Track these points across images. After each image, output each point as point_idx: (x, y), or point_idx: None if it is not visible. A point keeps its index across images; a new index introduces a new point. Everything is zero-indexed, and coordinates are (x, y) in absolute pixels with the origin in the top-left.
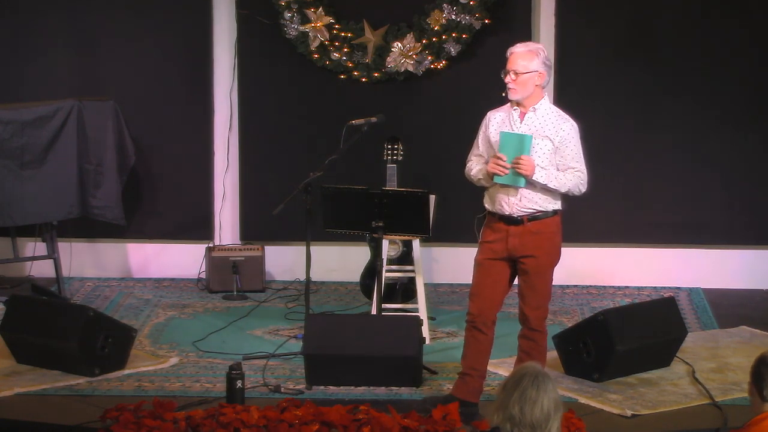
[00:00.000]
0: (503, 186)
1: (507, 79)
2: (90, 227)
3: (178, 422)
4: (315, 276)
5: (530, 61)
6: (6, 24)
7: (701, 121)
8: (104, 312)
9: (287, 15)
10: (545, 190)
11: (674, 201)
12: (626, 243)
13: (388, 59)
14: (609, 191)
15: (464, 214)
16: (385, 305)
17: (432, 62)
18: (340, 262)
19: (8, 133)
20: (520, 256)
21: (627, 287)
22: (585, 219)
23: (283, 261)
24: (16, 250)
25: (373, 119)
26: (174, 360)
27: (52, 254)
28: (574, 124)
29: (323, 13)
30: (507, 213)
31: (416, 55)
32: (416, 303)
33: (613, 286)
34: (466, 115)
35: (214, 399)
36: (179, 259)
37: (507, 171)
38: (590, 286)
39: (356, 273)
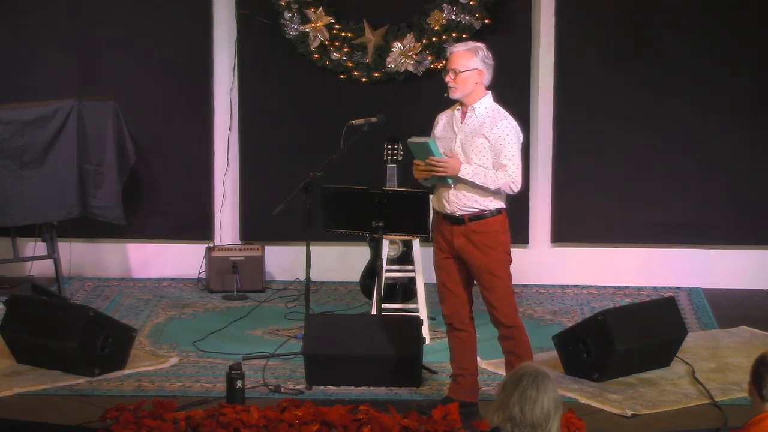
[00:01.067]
0: (445, 186)
1: (447, 79)
2: (90, 227)
3: (178, 422)
4: (315, 276)
5: (469, 60)
6: (6, 24)
7: (701, 121)
8: (104, 312)
9: (287, 15)
10: (482, 187)
11: (674, 201)
12: (626, 243)
13: (388, 59)
14: (609, 191)
15: None
16: (385, 305)
17: (432, 62)
18: (340, 262)
19: (8, 133)
20: (466, 257)
21: (627, 287)
22: (585, 219)
23: (283, 261)
24: (16, 250)
25: (373, 119)
26: (174, 360)
27: (52, 254)
28: (512, 122)
29: (323, 13)
30: (449, 212)
31: (416, 55)
32: (416, 303)
33: (613, 286)
34: None
35: (214, 399)
36: (179, 259)
37: (428, 174)
38: (590, 286)
39: (356, 273)
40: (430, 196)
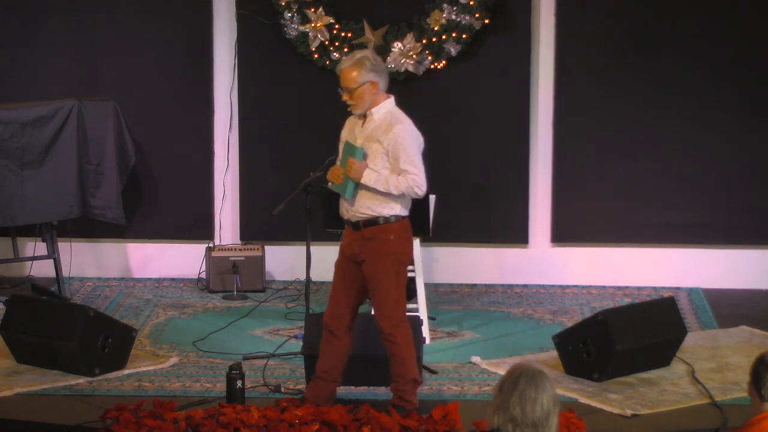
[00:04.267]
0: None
1: (344, 98)
2: (90, 227)
3: (178, 422)
4: (315, 276)
5: (358, 75)
6: (6, 24)
7: (701, 121)
8: (104, 312)
9: (287, 15)
10: (378, 194)
11: (674, 201)
12: (626, 243)
13: (388, 59)
14: (609, 191)
15: (464, 214)
16: None
17: (432, 62)
18: None
19: (8, 133)
20: (360, 262)
21: (627, 287)
22: (585, 219)
23: (283, 261)
24: (16, 250)
25: None
26: (174, 360)
27: (52, 254)
28: (408, 126)
29: (323, 13)
30: (347, 218)
31: (416, 55)
32: (416, 303)
33: (613, 286)
34: (466, 115)
35: (214, 399)
36: (179, 259)
37: (340, 179)
38: (590, 286)
39: None
40: (432, 197)
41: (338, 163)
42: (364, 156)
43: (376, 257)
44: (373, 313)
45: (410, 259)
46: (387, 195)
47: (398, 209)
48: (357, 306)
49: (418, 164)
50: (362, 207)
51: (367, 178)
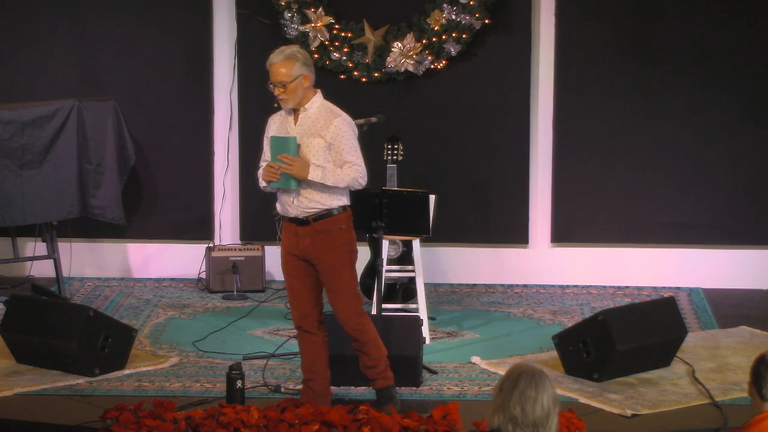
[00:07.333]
0: (287, 190)
1: (276, 92)
2: (90, 227)
3: (178, 422)
4: None
5: (291, 69)
6: (6, 24)
7: (702, 121)
8: (104, 312)
9: (287, 15)
10: (325, 187)
11: (674, 201)
12: (626, 243)
13: (388, 59)
14: (609, 191)
15: (464, 214)
16: (385, 305)
17: (432, 62)
18: None
19: (8, 133)
20: (312, 257)
21: (627, 287)
22: (585, 219)
23: None
24: (16, 250)
25: (373, 119)
26: (174, 360)
27: (52, 254)
28: (347, 118)
29: (323, 13)
30: (293, 215)
31: (416, 55)
32: (416, 303)
33: (613, 286)
34: (466, 115)
35: (214, 399)
36: (179, 259)
37: (278, 176)
38: (590, 286)
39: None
40: (432, 197)
41: (265, 162)
42: (298, 145)
43: (329, 249)
44: (332, 306)
45: (357, 248)
46: (333, 187)
47: (345, 200)
48: (319, 299)
49: (359, 155)
50: (311, 202)
51: (314, 174)
